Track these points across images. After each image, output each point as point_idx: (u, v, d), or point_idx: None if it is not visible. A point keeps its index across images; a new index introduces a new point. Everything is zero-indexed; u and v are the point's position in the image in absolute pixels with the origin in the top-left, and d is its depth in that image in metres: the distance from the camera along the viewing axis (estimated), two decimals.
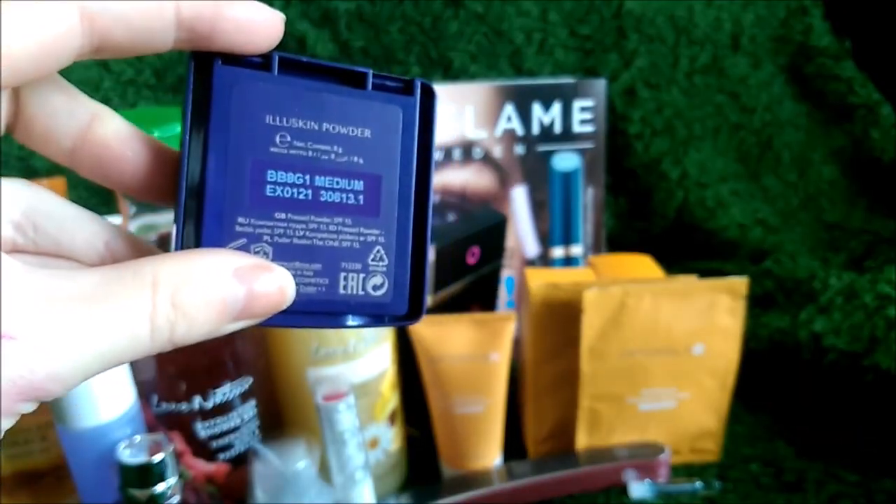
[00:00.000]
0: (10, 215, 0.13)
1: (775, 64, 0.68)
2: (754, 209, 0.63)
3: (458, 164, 0.49)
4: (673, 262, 0.60)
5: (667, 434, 0.42)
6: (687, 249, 0.62)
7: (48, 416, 0.34)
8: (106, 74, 0.48)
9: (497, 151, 0.50)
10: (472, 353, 0.38)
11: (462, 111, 0.49)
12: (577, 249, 0.53)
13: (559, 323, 0.40)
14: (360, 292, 0.15)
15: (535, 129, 0.50)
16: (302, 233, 0.14)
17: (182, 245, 0.14)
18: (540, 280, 0.40)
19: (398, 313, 0.16)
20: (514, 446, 0.43)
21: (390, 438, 0.39)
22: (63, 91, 0.13)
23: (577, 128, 0.51)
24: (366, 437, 0.37)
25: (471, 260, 0.46)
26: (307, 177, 0.14)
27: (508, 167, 0.50)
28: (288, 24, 0.56)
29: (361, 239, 0.15)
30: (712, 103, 0.65)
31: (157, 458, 0.30)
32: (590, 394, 0.40)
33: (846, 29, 0.70)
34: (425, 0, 0.53)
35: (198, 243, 0.14)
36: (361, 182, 0.15)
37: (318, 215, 0.14)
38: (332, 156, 0.15)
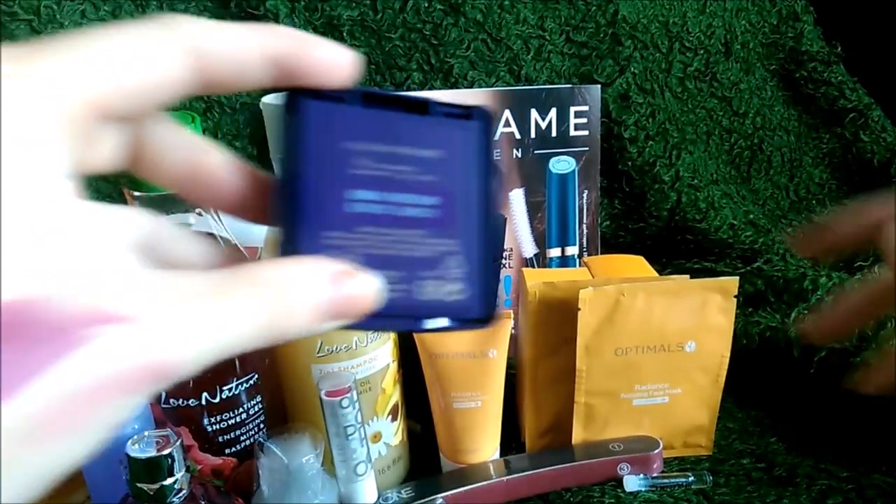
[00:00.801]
0: (128, 232, 0.14)
1: (767, 69, 0.69)
2: (746, 211, 0.64)
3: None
4: (666, 263, 0.62)
5: (660, 429, 0.43)
6: (680, 250, 0.63)
7: None
8: None
9: (496, 155, 0.51)
10: (472, 349, 0.39)
11: None
12: (572, 250, 0.54)
13: (556, 321, 0.41)
14: (437, 298, 0.16)
15: (532, 134, 0.51)
16: (384, 244, 0.16)
17: (281, 254, 0.15)
18: (537, 279, 0.41)
19: (471, 317, 0.17)
20: (512, 440, 0.44)
21: (392, 433, 0.40)
22: (175, 128, 0.15)
23: (572, 132, 0.52)
24: (368, 432, 0.38)
25: None
26: (386, 194, 0.16)
27: (506, 170, 0.51)
28: None
29: (436, 249, 0.16)
30: (705, 108, 0.66)
31: (166, 452, 0.30)
32: (585, 389, 0.41)
33: (837, 34, 0.71)
34: (426, 8, 0.55)
35: (294, 253, 0.15)
36: (433, 198, 0.16)
37: (397, 228, 0.16)
38: (407, 175, 0.16)
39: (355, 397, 0.34)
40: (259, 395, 0.38)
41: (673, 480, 0.41)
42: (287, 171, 0.15)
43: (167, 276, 0.12)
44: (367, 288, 0.14)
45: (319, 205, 0.15)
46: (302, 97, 0.15)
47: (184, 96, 0.13)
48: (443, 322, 0.17)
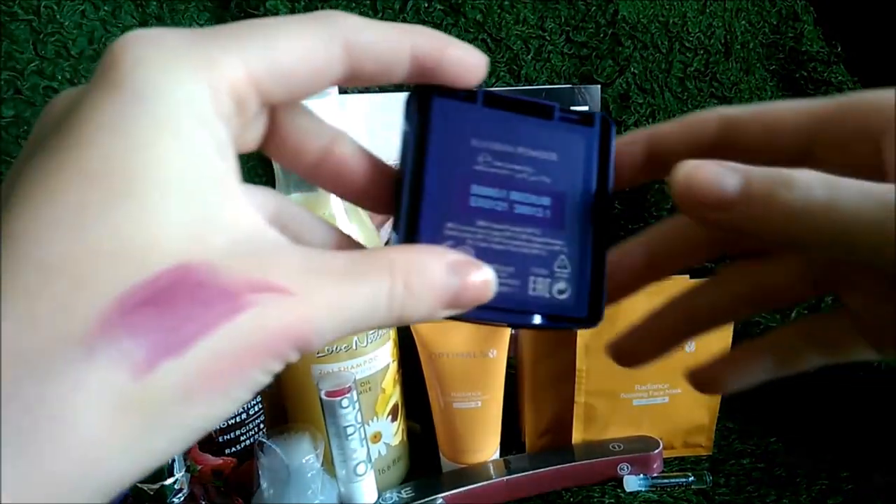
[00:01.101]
0: (268, 210, 0.16)
1: (767, 69, 0.69)
2: None
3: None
4: None
5: (660, 429, 0.43)
6: None
7: None
8: None
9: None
10: (472, 349, 0.39)
11: None
12: None
13: None
14: (546, 295, 0.17)
15: None
16: (498, 239, 0.17)
17: (405, 241, 0.16)
18: None
19: (578, 316, 0.17)
20: (512, 440, 0.44)
21: (392, 433, 0.40)
22: (310, 115, 0.16)
23: None
24: (368, 432, 0.38)
25: None
26: (504, 191, 0.17)
27: None
28: None
29: (548, 248, 0.17)
30: (704, 108, 0.66)
31: None
32: (585, 390, 0.41)
33: (837, 34, 0.71)
34: (426, 8, 0.55)
35: (415, 241, 0.16)
36: (548, 198, 0.17)
37: (512, 225, 0.17)
38: (525, 175, 0.17)
39: (355, 397, 0.34)
40: (259, 395, 0.38)
41: (673, 480, 0.41)
42: (413, 163, 0.16)
43: (313, 254, 0.13)
44: (483, 279, 0.15)
45: (442, 197, 0.16)
46: (433, 95, 0.16)
47: (330, 86, 0.14)
48: (549, 319, 0.17)
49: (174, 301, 0.11)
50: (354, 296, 0.13)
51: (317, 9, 0.53)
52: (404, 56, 0.14)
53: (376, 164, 0.16)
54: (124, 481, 0.11)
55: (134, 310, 0.10)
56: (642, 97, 0.61)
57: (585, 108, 0.17)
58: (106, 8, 0.49)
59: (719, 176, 0.15)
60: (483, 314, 0.16)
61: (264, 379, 0.12)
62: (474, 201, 0.16)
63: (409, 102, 0.17)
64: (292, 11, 0.52)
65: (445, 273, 0.14)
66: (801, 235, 0.14)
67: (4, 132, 0.46)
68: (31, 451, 0.10)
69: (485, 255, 0.16)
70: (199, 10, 0.51)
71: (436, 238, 0.16)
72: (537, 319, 0.17)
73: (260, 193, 0.15)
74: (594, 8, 0.60)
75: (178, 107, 0.11)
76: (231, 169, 0.12)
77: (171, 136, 0.11)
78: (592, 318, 0.17)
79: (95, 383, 0.10)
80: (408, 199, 0.16)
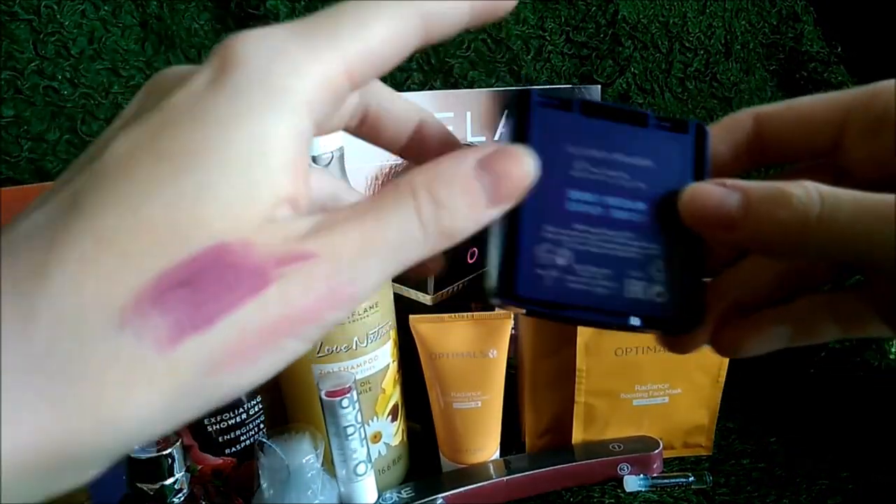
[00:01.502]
0: (324, 191, 0.17)
1: (767, 69, 0.69)
2: None
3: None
4: None
5: (660, 429, 0.43)
6: None
7: None
8: (116, 80, 0.49)
9: None
10: (472, 349, 0.39)
11: (462, 117, 0.50)
12: None
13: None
14: (643, 297, 0.17)
15: None
16: (595, 242, 0.17)
17: (504, 242, 0.16)
18: None
19: (675, 319, 0.18)
20: (512, 441, 0.44)
21: (392, 433, 0.40)
22: (402, 99, 0.17)
23: None
24: (368, 432, 0.38)
25: (470, 260, 0.47)
26: (600, 196, 0.17)
27: None
28: None
29: (644, 252, 0.17)
30: (705, 108, 0.66)
31: (166, 452, 0.30)
32: (585, 390, 0.41)
33: (837, 34, 0.71)
34: None
35: (516, 243, 0.16)
36: (644, 203, 0.17)
37: (608, 229, 0.17)
38: (621, 180, 0.17)
39: (355, 397, 0.34)
40: (259, 395, 0.38)
41: (673, 480, 0.41)
42: None
43: (337, 211, 0.13)
44: (518, 162, 0.14)
45: (542, 200, 0.17)
46: (533, 104, 0.17)
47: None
48: (646, 321, 0.17)
49: (206, 280, 0.11)
50: (381, 231, 0.13)
51: (316, 8, 0.53)
52: (466, 15, 0.15)
53: (456, 144, 0.17)
54: (142, 442, 0.12)
55: (168, 288, 0.11)
56: (642, 97, 0.61)
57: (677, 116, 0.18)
58: (106, 8, 0.49)
59: (722, 197, 0.16)
60: (580, 314, 0.17)
61: (302, 346, 0.12)
62: (571, 205, 0.17)
63: (509, 110, 0.17)
64: (292, 11, 0.52)
65: (474, 171, 0.14)
66: (803, 249, 0.15)
67: (4, 132, 0.46)
68: (59, 405, 0.11)
69: (582, 257, 0.17)
70: (199, 9, 0.51)
71: (535, 240, 0.17)
72: (634, 321, 0.17)
73: (320, 176, 0.16)
74: (594, 8, 0.60)
75: (273, 96, 0.12)
76: (302, 154, 0.13)
77: (253, 122, 0.12)
78: (690, 321, 0.18)
79: (124, 354, 0.11)
80: None
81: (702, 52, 0.64)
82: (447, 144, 0.17)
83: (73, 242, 0.11)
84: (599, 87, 0.52)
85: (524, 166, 0.14)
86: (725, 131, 0.18)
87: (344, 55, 0.13)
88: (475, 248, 0.47)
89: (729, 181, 0.16)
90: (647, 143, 0.18)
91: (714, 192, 0.16)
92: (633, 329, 0.17)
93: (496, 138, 0.51)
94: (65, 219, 0.11)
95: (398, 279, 0.45)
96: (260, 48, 0.12)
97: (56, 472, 0.11)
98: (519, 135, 0.17)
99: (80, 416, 0.11)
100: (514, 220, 0.16)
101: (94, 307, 0.11)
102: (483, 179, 0.14)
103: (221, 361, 0.12)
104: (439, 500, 0.38)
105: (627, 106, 0.18)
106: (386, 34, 0.13)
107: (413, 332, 0.40)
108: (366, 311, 0.36)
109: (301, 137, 0.13)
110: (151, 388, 0.11)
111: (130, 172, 0.12)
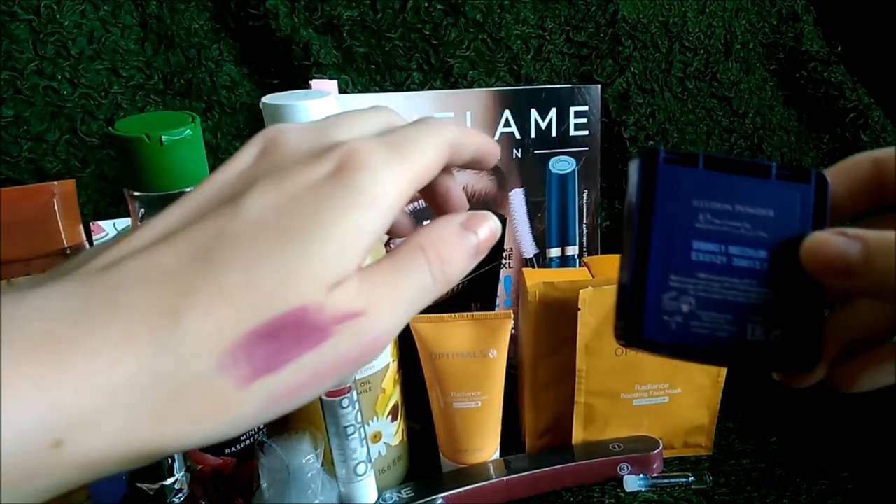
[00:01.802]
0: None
1: (767, 69, 0.69)
2: None
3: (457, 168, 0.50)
4: None
5: (660, 429, 0.43)
6: None
7: None
8: (115, 80, 0.49)
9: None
10: (472, 349, 0.39)
11: (461, 116, 0.50)
12: (572, 250, 0.54)
13: (556, 321, 0.41)
14: (764, 340, 0.18)
15: (533, 134, 0.51)
16: (718, 289, 0.18)
17: (632, 290, 0.18)
18: (537, 279, 0.41)
19: (794, 362, 0.19)
20: (512, 441, 0.44)
21: (392, 433, 0.40)
22: (452, 177, 0.22)
23: (572, 132, 0.52)
24: (368, 432, 0.38)
25: None
26: (723, 246, 0.18)
27: (507, 170, 0.51)
28: (293, 31, 0.57)
29: (765, 297, 0.18)
30: (705, 108, 0.66)
31: None
32: (585, 389, 0.41)
33: (837, 34, 0.71)
34: (426, 8, 0.55)
35: (643, 291, 0.18)
36: (765, 251, 0.19)
37: (730, 276, 0.18)
38: (742, 230, 0.19)
39: (355, 397, 0.34)
40: None
41: (673, 480, 0.41)
42: (640, 222, 0.19)
43: (368, 272, 0.16)
44: (488, 224, 0.18)
45: (667, 252, 0.18)
46: (659, 160, 0.18)
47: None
48: (768, 364, 0.18)
49: (284, 334, 0.14)
50: (405, 286, 0.16)
51: (316, 10, 0.53)
52: (472, 153, 0.20)
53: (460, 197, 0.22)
54: (184, 450, 0.15)
55: (257, 340, 0.14)
56: (642, 97, 0.61)
57: (800, 165, 0.20)
58: (106, 8, 0.49)
59: (842, 247, 0.17)
60: (703, 357, 0.18)
61: (336, 385, 0.16)
62: (696, 256, 0.18)
63: (635, 165, 0.19)
64: (292, 12, 0.52)
65: (462, 232, 0.18)
66: None
67: (4, 132, 0.46)
68: (160, 423, 0.13)
69: (705, 304, 0.18)
70: (198, 9, 0.51)
71: (661, 289, 0.18)
72: (757, 364, 0.18)
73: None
74: (594, 8, 0.60)
75: (376, 199, 0.16)
76: (384, 229, 0.17)
77: (358, 214, 0.16)
78: (808, 362, 0.19)
79: (213, 389, 0.14)
80: (635, 255, 0.18)
81: (702, 51, 0.64)
82: (457, 200, 0.22)
83: (202, 293, 0.14)
84: (599, 86, 0.52)
85: (493, 227, 0.18)
86: (844, 174, 0.19)
87: (413, 174, 0.17)
88: None
89: (850, 231, 0.17)
90: (768, 194, 0.19)
91: (834, 242, 0.17)
92: (756, 370, 0.19)
93: (495, 136, 0.51)
94: (200, 267, 0.14)
95: None
96: (370, 160, 0.16)
97: (123, 468, 0.14)
98: (645, 191, 0.18)
99: (174, 432, 0.14)
100: (641, 270, 0.18)
101: (205, 350, 0.14)
102: (469, 236, 0.18)
103: (278, 397, 0.14)
104: (439, 500, 0.38)
105: (750, 159, 0.20)
106: (434, 158, 0.18)
107: (413, 332, 0.40)
108: None
109: (383, 230, 0.16)
110: (223, 417, 0.14)
111: (256, 240, 0.15)
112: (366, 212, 0.16)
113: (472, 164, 0.21)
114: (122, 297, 0.14)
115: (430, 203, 0.22)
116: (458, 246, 0.17)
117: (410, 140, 0.17)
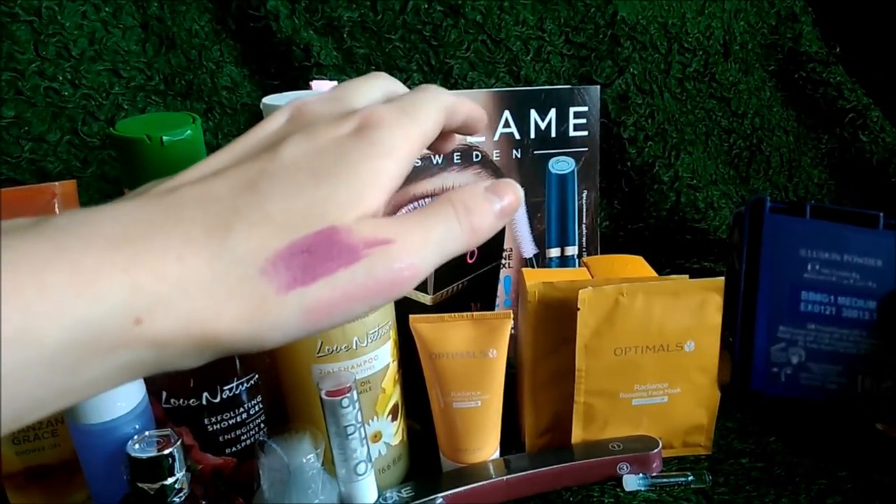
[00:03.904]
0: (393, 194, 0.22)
1: (766, 69, 0.70)
2: None
3: (457, 168, 0.50)
4: (666, 263, 0.62)
5: (659, 428, 0.43)
6: (679, 250, 0.63)
7: (58, 412, 0.35)
8: (116, 81, 0.49)
9: (495, 155, 0.51)
10: (471, 349, 0.39)
11: None
12: (572, 250, 0.54)
13: (555, 321, 0.41)
14: (873, 391, 0.18)
15: (532, 134, 0.51)
16: (828, 341, 0.18)
17: (741, 340, 0.18)
18: (537, 279, 0.41)
19: None
20: (511, 440, 0.44)
21: (392, 432, 0.40)
22: (453, 140, 0.24)
23: (572, 133, 0.52)
24: (368, 432, 0.38)
25: (470, 260, 0.47)
26: (832, 297, 0.18)
27: (506, 171, 0.52)
28: (293, 32, 0.57)
29: (874, 349, 0.18)
30: (704, 108, 0.66)
31: (166, 452, 0.30)
32: (585, 389, 0.41)
33: (836, 34, 0.71)
34: (426, 9, 0.55)
35: (751, 342, 0.18)
36: (874, 301, 0.18)
37: (840, 327, 0.18)
38: (851, 280, 0.18)
39: (355, 397, 0.34)
40: (259, 395, 0.38)
41: (672, 480, 0.41)
42: (747, 273, 0.19)
43: (400, 216, 0.18)
44: (514, 189, 0.20)
45: (775, 303, 0.18)
46: (765, 210, 0.18)
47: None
48: (879, 415, 0.18)
49: (318, 250, 0.16)
50: (433, 229, 0.18)
51: (317, 11, 0.53)
52: (463, 119, 0.22)
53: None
54: (235, 350, 0.16)
55: (295, 253, 0.16)
56: (641, 98, 0.62)
57: None
58: (107, 9, 0.49)
59: None
60: (814, 410, 0.18)
61: (365, 313, 0.18)
62: (804, 306, 0.18)
63: (741, 216, 0.19)
64: (293, 13, 0.52)
65: (487, 196, 0.19)
66: None
67: (5, 133, 0.46)
68: (217, 315, 0.16)
69: (814, 355, 0.18)
70: (199, 11, 0.52)
71: (769, 340, 0.18)
72: (866, 415, 0.18)
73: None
74: (593, 9, 0.60)
75: (394, 150, 0.18)
76: (395, 188, 0.19)
77: (379, 162, 0.18)
78: None
79: (257, 292, 0.16)
80: (743, 306, 0.18)
81: (700, 52, 0.65)
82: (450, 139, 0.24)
83: (249, 215, 0.16)
84: (598, 87, 0.52)
85: (517, 192, 0.20)
86: None
87: (421, 132, 0.20)
88: (475, 249, 0.47)
89: None
90: (877, 244, 0.19)
91: None
92: (864, 422, 0.18)
93: (488, 132, 0.51)
94: (246, 196, 0.17)
95: None
96: (387, 119, 0.19)
97: (186, 356, 0.16)
98: (752, 240, 0.18)
99: (227, 326, 0.16)
100: (749, 321, 0.18)
101: (251, 257, 0.16)
102: (492, 198, 0.20)
103: (313, 310, 0.16)
104: (439, 500, 0.38)
105: (857, 209, 0.19)
106: (436, 119, 0.20)
107: (413, 331, 0.40)
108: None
109: (399, 178, 0.19)
110: (265, 319, 0.16)
111: (293, 177, 0.17)
112: (385, 160, 0.18)
113: (463, 129, 0.23)
114: (182, 212, 0.16)
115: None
116: (484, 202, 0.19)
117: (417, 104, 0.20)
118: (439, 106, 0.21)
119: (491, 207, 0.19)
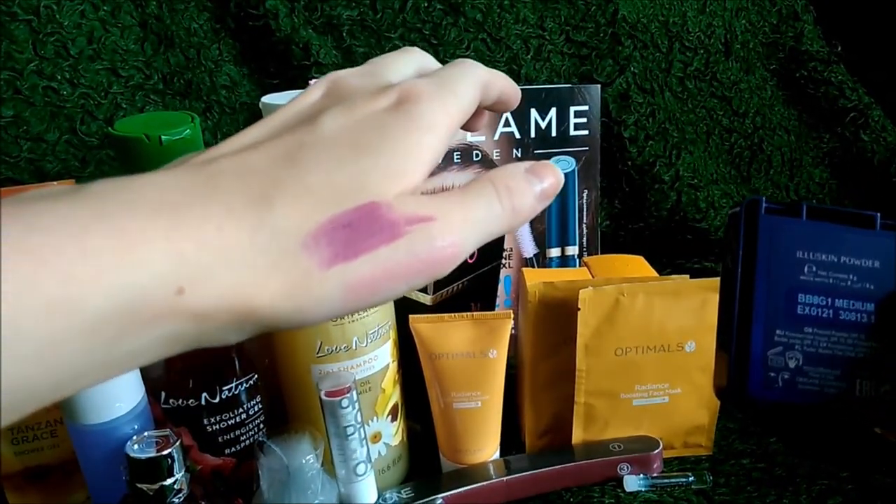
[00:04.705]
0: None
1: (767, 69, 0.69)
2: None
3: (457, 167, 0.50)
4: (666, 262, 0.62)
5: (660, 429, 0.43)
6: (679, 250, 0.63)
7: (58, 412, 0.35)
8: (115, 80, 0.49)
9: (496, 155, 0.51)
10: (472, 349, 0.39)
11: None
12: (572, 250, 0.54)
13: (556, 321, 0.41)
14: (872, 395, 0.18)
15: (532, 134, 0.51)
16: (825, 344, 0.18)
17: (737, 345, 0.17)
18: (537, 279, 0.41)
19: None
20: (512, 441, 0.44)
21: (392, 433, 0.40)
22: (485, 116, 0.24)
23: (572, 132, 0.52)
24: (368, 432, 0.38)
25: (470, 260, 0.47)
26: (829, 299, 0.18)
27: None
28: (292, 31, 0.57)
29: (873, 352, 0.18)
30: (705, 107, 0.66)
31: (165, 452, 0.30)
32: (585, 390, 0.41)
33: (837, 34, 0.71)
34: (426, 8, 0.55)
35: (748, 347, 0.17)
36: (871, 304, 0.18)
37: (837, 330, 0.18)
38: (848, 282, 0.18)
39: (355, 397, 0.34)
40: (259, 395, 0.38)
41: (673, 480, 0.41)
42: (743, 275, 0.18)
43: (441, 193, 0.18)
44: (554, 172, 0.20)
45: (771, 306, 0.18)
46: (760, 211, 0.18)
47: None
48: (877, 420, 0.18)
49: (359, 226, 0.16)
50: (474, 209, 0.18)
51: (316, 10, 0.53)
52: (498, 92, 0.22)
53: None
54: (276, 326, 0.16)
55: (336, 227, 0.16)
56: (642, 97, 0.61)
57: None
58: (105, 8, 0.49)
59: None
60: (812, 415, 0.18)
61: (406, 291, 0.17)
62: (801, 309, 0.18)
63: (736, 217, 0.18)
64: (292, 12, 0.52)
65: (527, 177, 0.19)
66: None
67: (4, 132, 0.46)
68: (257, 288, 0.15)
69: (811, 359, 0.18)
70: (198, 9, 0.51)
71: (766, 344, 0.18)
72: (864, 420, 0.18)
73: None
74: (594, 7, 0.60)
75: (434, 126, 0.18)
76: (435, 163, 0.18)
77: (419, 136, 0.18)
78: None
79: (299, 265, 0.15)
80: (739, 309, 0.18)
81: (702, 51, 0.64)
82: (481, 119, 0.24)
83: (290, 187, 0.16)
84: (599, 86, 0.52)
85: (557, 174, 0.20)
86: None
87: (459, 107, 0.19)
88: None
89: None
90: (875, 245, 0.18)
91: None
92: (863, 427, 0.18)
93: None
94: (287, 168, 0.16)
95: None
96: (426, 93, 0.18)
97: (227, 330, 0.15)
98: (747, 242, 0.18)
99: (269, 300, 0.15)
100: (745, 325, 0.17)
101: (293, 230, 0.15)
102: (532, 179, 0.19)
103: (355, 287, 0.16)
104: (439, 500, 0.38)
105: (854, 210, 0.19)
106: (474, 94, 0.20)
107: (413, 331, 0.40)
108: (365, 310, 0.36)
109: (439, 154, 0.18)
110: (307, 294, 0.15)
111: (333, 150, 0.17)
112: (425, 134, 0.18)
113: (497, 105, 0.22)
114: (221, 183, 0.16)
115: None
116: (525, 184, 0.19)
117: (454, 79, 0.20)
118: (476, 81, 0.20)
119: (532, 189, 0.19)
